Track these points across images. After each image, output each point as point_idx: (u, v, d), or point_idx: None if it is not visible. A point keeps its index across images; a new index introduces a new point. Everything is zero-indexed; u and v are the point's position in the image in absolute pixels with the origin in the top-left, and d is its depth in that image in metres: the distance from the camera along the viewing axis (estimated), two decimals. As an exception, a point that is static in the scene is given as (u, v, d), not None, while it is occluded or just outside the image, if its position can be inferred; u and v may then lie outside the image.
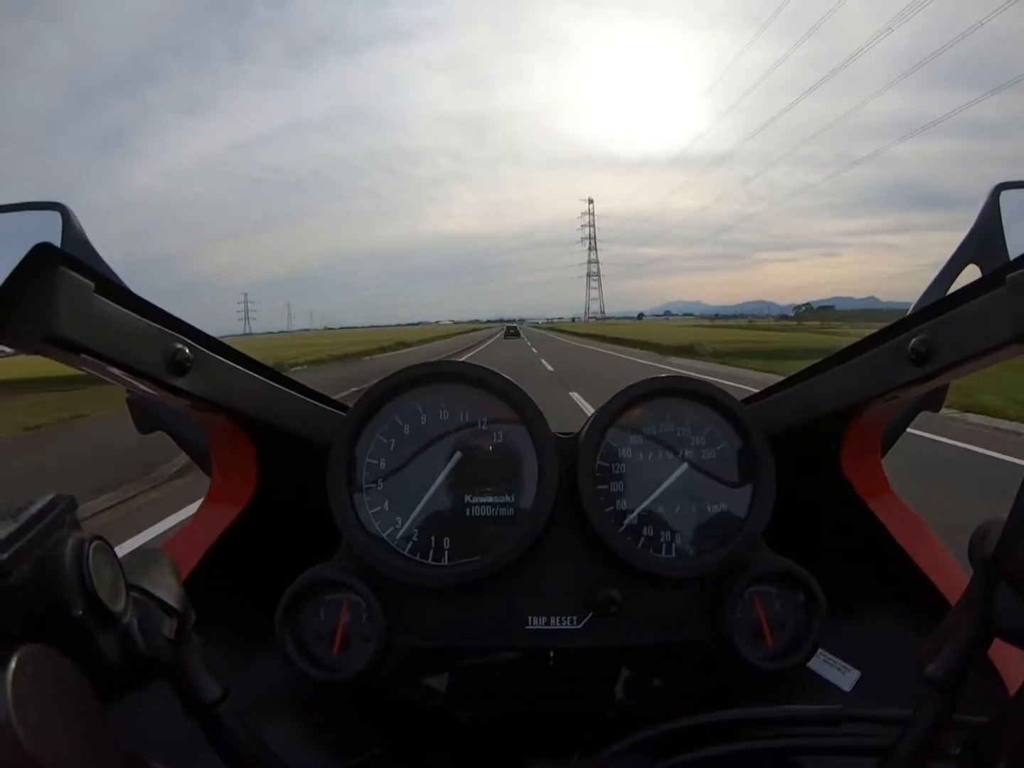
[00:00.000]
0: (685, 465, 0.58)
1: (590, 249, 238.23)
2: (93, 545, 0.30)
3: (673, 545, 0.57)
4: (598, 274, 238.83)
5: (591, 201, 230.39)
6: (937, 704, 0.36)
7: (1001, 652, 0.41)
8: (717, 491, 0.58)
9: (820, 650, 0.57)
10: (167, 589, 0.35)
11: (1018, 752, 0.31)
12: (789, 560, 0.56)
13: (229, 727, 0.37)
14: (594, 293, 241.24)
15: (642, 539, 0.57)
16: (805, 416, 0.60)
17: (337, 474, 0.55)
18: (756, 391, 0.67)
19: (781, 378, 0.67)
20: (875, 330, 0.56)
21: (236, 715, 0.37)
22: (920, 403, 0.74)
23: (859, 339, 0.57)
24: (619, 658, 0.57)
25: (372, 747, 0.52)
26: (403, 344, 38.32)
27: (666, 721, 0.46)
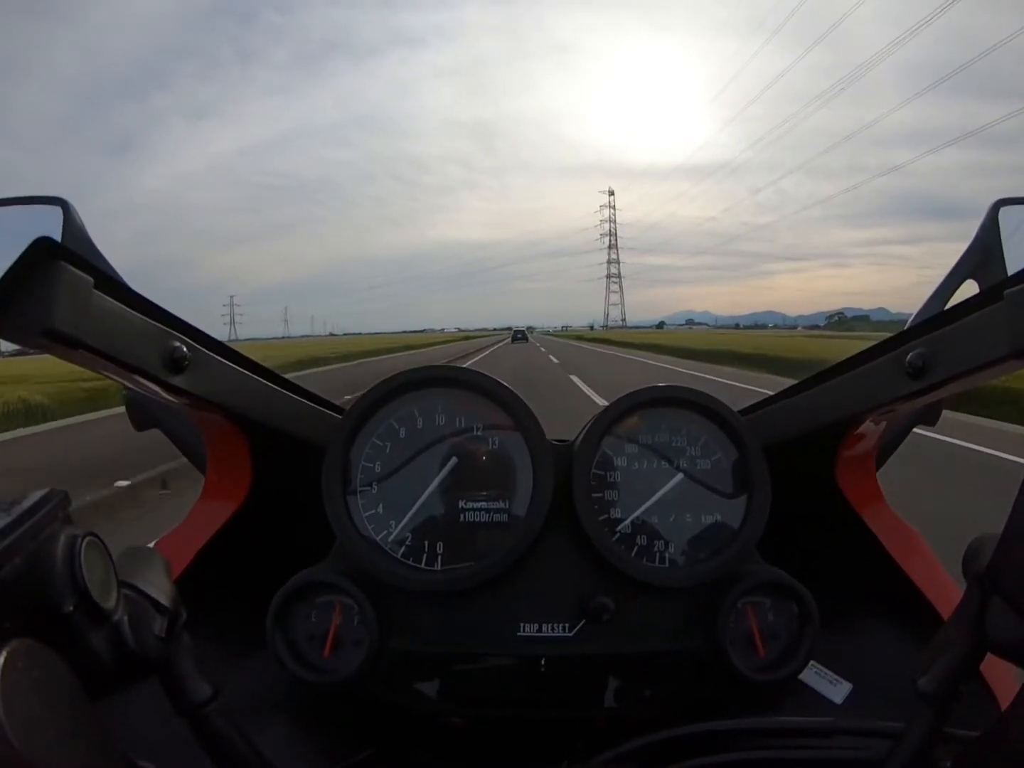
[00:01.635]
0: (680, 475, 0.58)
1: (610, 248, 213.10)
2: (85, 541, 0.30)
3: (666, 554, 0.57)
4: (619, 275, 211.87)
5: (611, 193, 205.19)
6: (929, 717, 0.36)
7: (993, 666, 0.40)
8: (712, 501, 0.58)
9: (812, 662, 0.57)
10: (159, 587, 0.35)
11: (1010, 766, 0.31)
12: (783, 571, 0.56)
13: (218, 727, 0.37)
14: (614, 297, 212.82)
15: (635, 548, 0.57)
16: (801, 428, 0.60)
17: (332, 476, 0.55)
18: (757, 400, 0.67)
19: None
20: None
21: (226, 715, 0.37)
22: (916, 416, 0.74)
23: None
24: (611, 666, 0.57)
25: (362, 751, 0.52)
26: (305, 363, 20.57)
27: (657, 730, 0.46)
